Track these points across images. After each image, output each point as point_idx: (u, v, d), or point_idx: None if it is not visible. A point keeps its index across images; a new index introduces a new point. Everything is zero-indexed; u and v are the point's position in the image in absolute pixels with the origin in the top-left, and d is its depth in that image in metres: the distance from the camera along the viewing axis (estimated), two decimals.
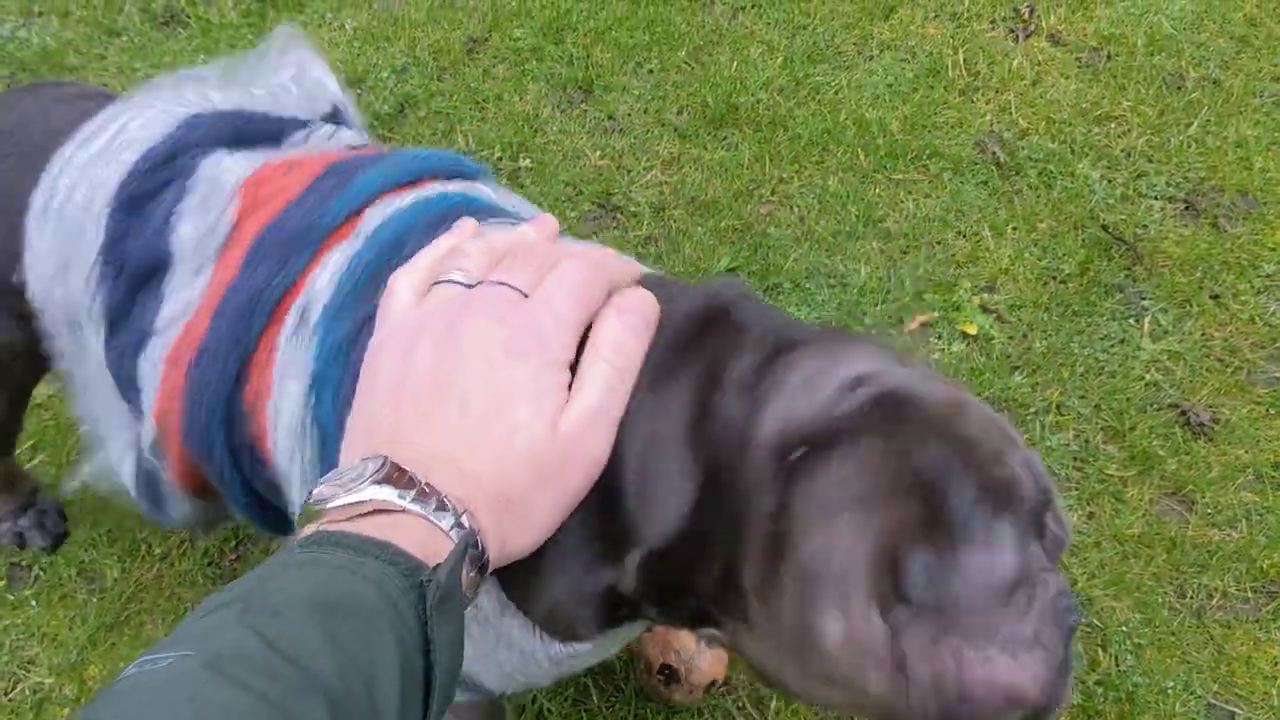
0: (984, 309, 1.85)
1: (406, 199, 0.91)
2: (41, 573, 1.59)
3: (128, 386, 0.97)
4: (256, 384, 0.88)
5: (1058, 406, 1.74)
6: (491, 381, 0.66)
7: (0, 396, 1.28)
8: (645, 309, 0.73)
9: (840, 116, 2.15)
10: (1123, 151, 2.10)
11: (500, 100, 2.17)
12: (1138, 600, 1.54)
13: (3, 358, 1.17)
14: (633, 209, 2.01)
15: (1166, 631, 1.51)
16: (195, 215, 0.94)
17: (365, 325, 0.82)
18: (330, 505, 0.61)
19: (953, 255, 1.93)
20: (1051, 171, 2.06)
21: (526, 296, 0.70)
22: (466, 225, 0.79)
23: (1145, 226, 1.97)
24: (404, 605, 0.56)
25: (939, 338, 1.82)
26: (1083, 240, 1.95)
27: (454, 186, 0.95)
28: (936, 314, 1.84)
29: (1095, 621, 1.52)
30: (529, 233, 0.77)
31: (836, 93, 2.21)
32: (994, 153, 2.08)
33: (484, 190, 0.96)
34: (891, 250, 1.94)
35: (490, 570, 0.65)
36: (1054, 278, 1.91)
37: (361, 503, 0.60)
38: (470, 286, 0.71)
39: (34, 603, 1.56)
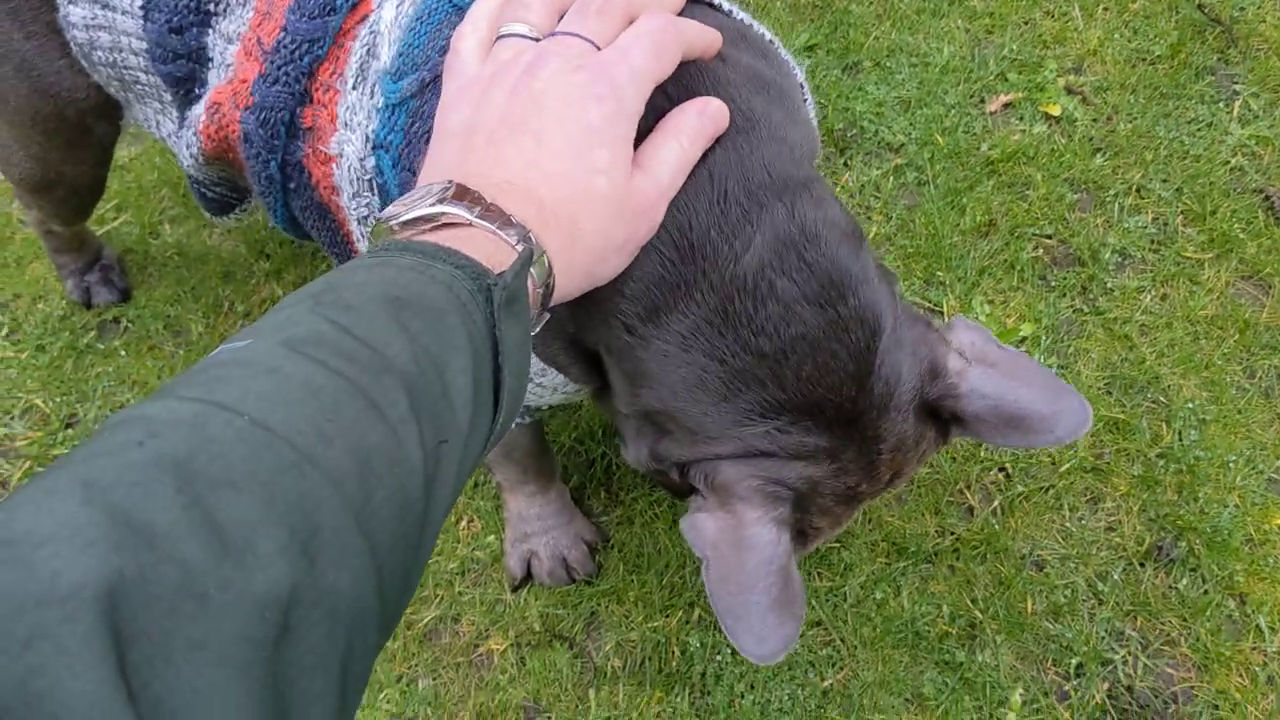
0: (1069, 90, 1.80)
1: None
2: (130, 325, 1.65)
3: (192, 56, 0.97)
4: (317, 113, 0.89)
5: (1138, 189, 1.71)
6: (568, 120, 0.66)
7: (83, 156, 1.29)
8: (720, 121, 0.74)
9: None
10: None
11: None
12: (1206, 379, 1.54)
13: (76, 111, 1.16)
14: None
15: (1233, 410, 1.51)
16: None
17: (428, 87, 0.82)
18: (398, 220, 0.62)
19: (1040, 35, 1.87)
20: None
21: (598, 49, 0.69)
22: None
23: (1242, 8, 1.89)
24: (472, 306, 0.56)
25: (1020, 119, 1.78)
26: (1176, 21, 1.88)
27: None
28: (1020, 94, 1.79)
29: (1161, 398, 1.53)
30: None
31: None
32: None
33: None
34: (976, 29, 1.88)
35: (558, 294, 0.66)
36: (1143, 59, 1.84)
37: (429, 217, 0.61)
38: (537, 40, 0.71)
39: (123, 353, 1.62)
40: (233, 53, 0.92)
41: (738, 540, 0.82)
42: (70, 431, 1.55)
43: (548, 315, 0.67)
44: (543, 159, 0.65)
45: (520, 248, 0.61)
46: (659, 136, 0.71)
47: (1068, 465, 1.47)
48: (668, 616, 1.39)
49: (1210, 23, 1.86)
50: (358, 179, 0.87)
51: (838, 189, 1.72)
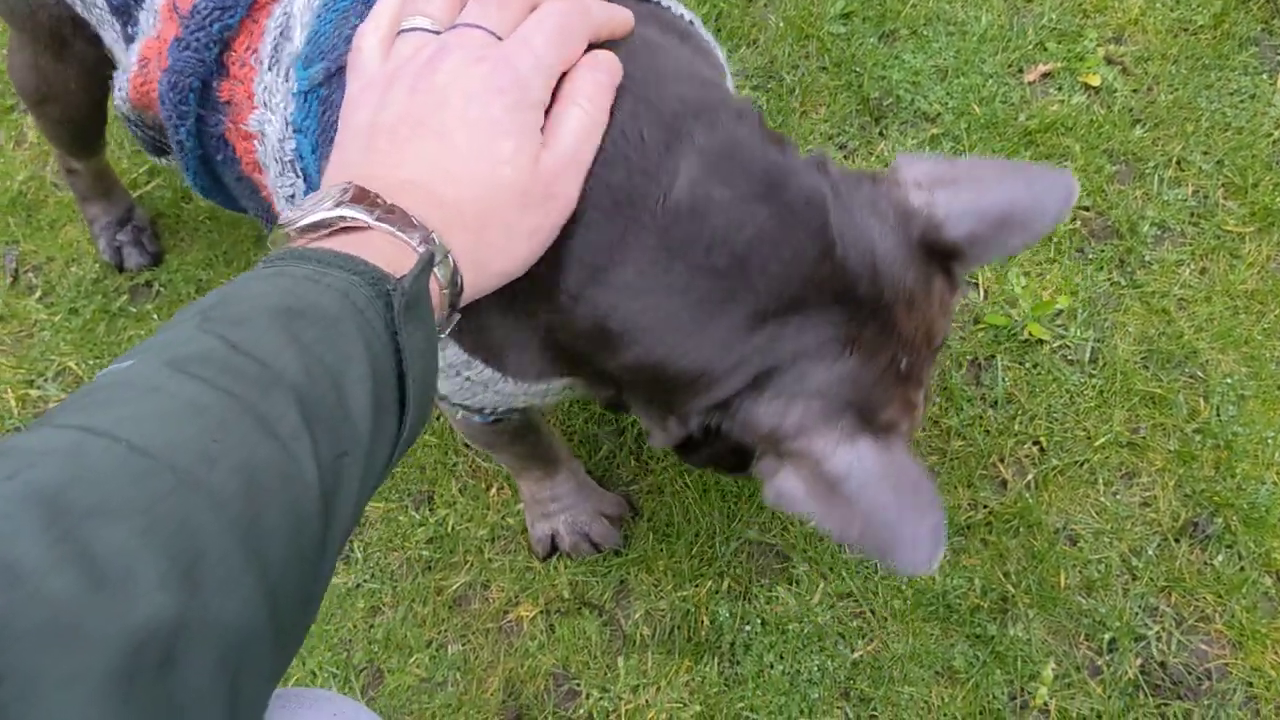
0: (1109, 60, 1.77)
1: None
2: (162, 289, 1.66)
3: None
4: (234, 87, 0.89)
5: (1178, 161, 1.68)
6: (470, 115, 0.65)
7: (68, 71, 1.29)
8: (613, 68, 0.72)
9: None
10: None
11: None
12: (1245, 355, 1.52)
13: (49, 16, 1.18)
14: None
15: (1272, 385, 1.49)
16: None
17: (334, 77, 0.82)
18: (296, 226, 0.60)
19: (1080, 4, 1.84)
20: None
21: (500, 39, 0.69)
22: None
23: None
24: (371, 313, 0.55)
25: (1059, 89, 1.75)
26: None
27: None
28: (1059, 64, 1.77)
29: (1198, 373, 1.51)
30: None
31: None
32: None
33: None
34: None
35: (467, 293, 0.66)
36: (1186, 29, 1.81)
37: (326, 221, 0.60)
38: (438, 34, 0.70)
39: (155, 316, 1.63)
40: (159, 2, 0.92)
41: (827, 480, 0.76)
42: None
43: (458, 316, 0.66)
44: (445, 157, 0.65)
45: (422, 249, 0.60)
46: (557, 106, 0.70)
47: (1103, 439, 1.46)
48: (697, 586, 1.39)
49: None
50: (280, 160, 0.87)
51: (873, 159, 1.70)
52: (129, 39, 1.00)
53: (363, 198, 0.60)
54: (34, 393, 1.56)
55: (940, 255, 0.82)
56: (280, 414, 0.49)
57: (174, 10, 0.90)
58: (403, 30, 0.71)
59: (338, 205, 0.60)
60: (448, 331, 0.66)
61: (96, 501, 0.41)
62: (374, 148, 0.66)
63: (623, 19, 0.76)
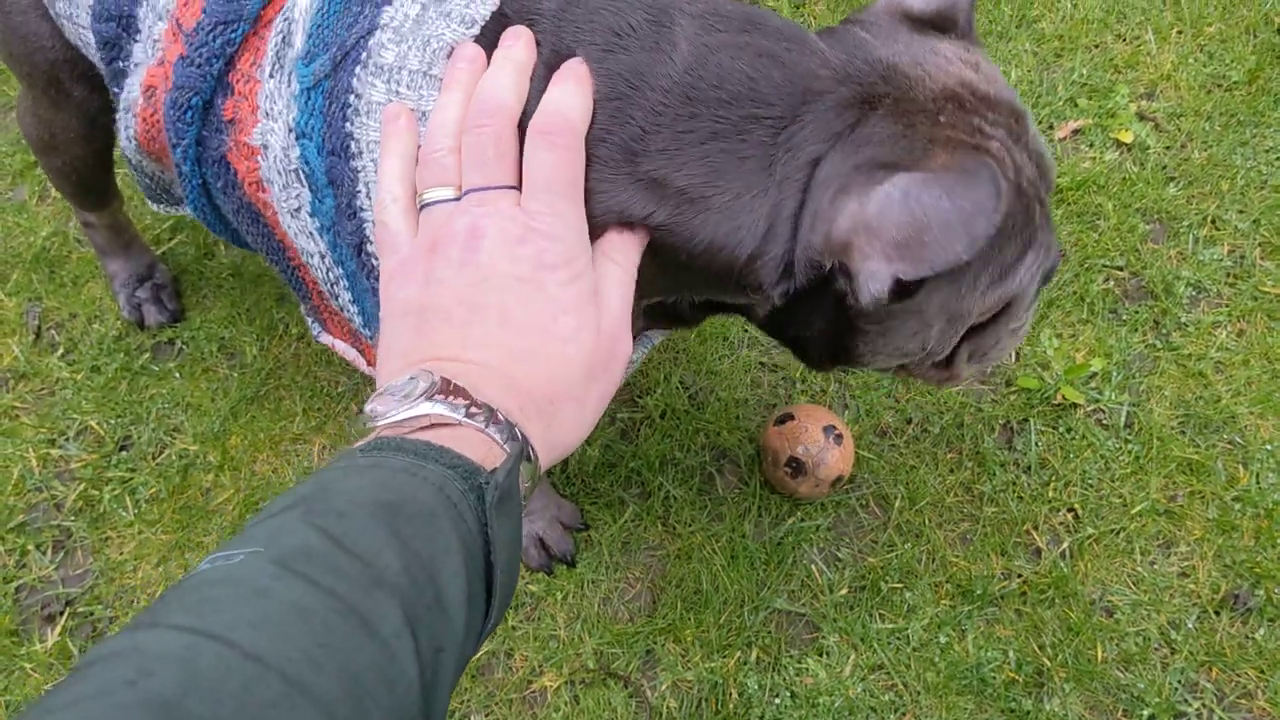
0: (1141, 116, 1.75)
1: None
2: (185, 347, 1.64)
3: (121, 21, 0.97)
4: (238, 104, 0.88)
5: (1213, 220, 1.65)
6: (526, 296, 0.67)
7: (69, 121, 1.30)
8: (640, 234, 0.75)
9: None
10: None
11: None
12: None
13: (46, 61, 1.18)
14: None
15: None
16: None
17: (341, 61, 0.81)
18: (384, 421, 0.61)
19: (1111, 59, 1.82)
20: None
21: (515, 189, 0.70)
22: (398, 115, 0.76)
23: None
24: (464, 507, 0.57)
25: (1091, 145, 1.73)
26: (1254, 46, 1.82)
27: None
28: (1090, 121, 1.75)
29: (1237, 439, 1.48)
30: (458, 77, 0.75)
31: None
32: None
33: None
34: (1045, 53, 1.84)
35: (540, 471, 0.67)
36: (1219, 85, 1.79)
37: (418, 417, 0.61)
38: (456, 199, 0.71)
39: (178, 375, 1.61)
40: (161, 30, 0.92)
41: (883, 229, 0.71)
42: (124, 454, 1.55)
43: (535, 489, 0.68)
44: (511, 339, 0.67)
45: (509, 446, 0.62)
46: (596, 265, 0.73)
47: (1139, 507, 1.42)
48: (725, 656, 1.36)
49: None
50: (284, 170, 0.86)
51: None
52: (118, 76, 0.99)
53: (449, 391, 0.62)
54: (55, 452, 1.55)
55: (929, 25, 0.84)
56: (383, 614, 0.50)
57: (178, 29, 0.90)
58: (425, 205, 0.72)
59: (428, 400, 0.61)
60: (527, 505, 0.69)
61: (211, 711, 0.42)
62: (432, 329, 0.68)
63: (586, 101, 0.74)
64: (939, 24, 0.83)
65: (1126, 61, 1.82)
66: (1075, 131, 1.74)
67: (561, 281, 0.68)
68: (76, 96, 1.23)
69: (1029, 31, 1.86)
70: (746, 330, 1.59)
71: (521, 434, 0.63)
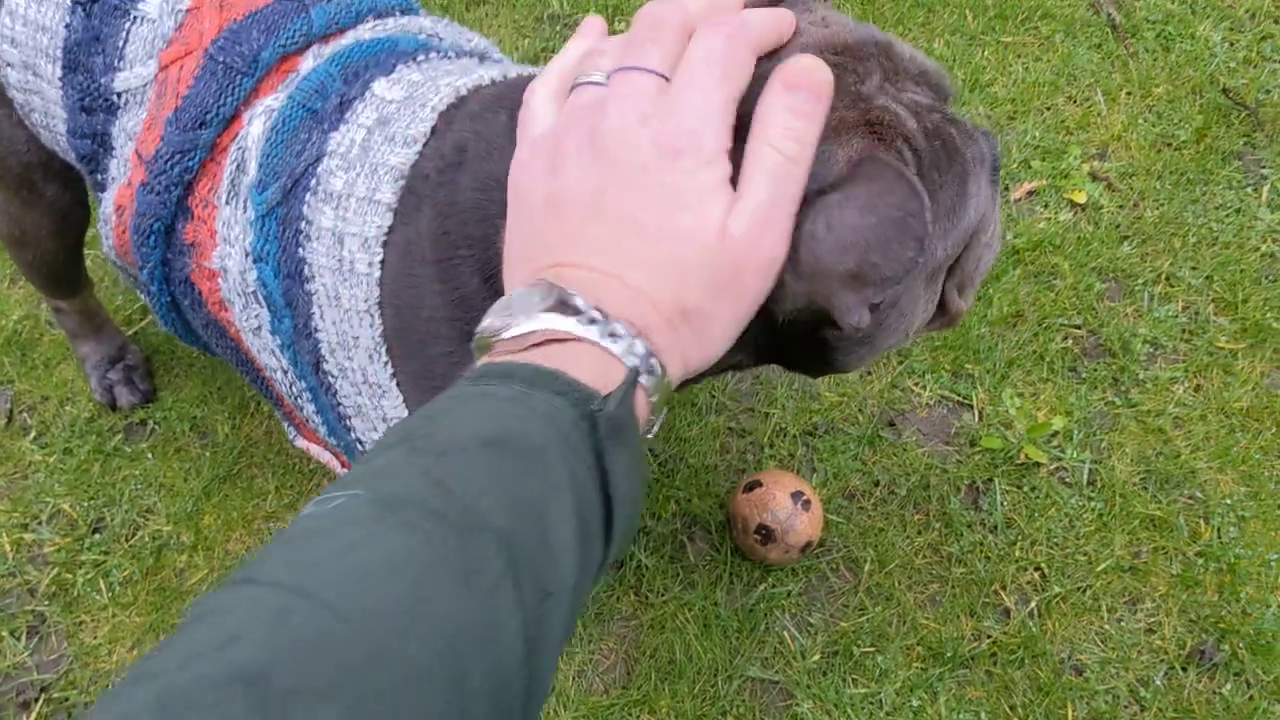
0: (1094, 177, 1.80)
1: (326, 50, 0.91)
2: (157, 427, 1.65)
3: (97, 139, 0.99)
4: (198, 228, 0.91)
5: (1167, 277, 1.69)
6: (646, 189, 0.60)
7: (40, 219, 1.30)
8: (814, 81, 0.63)
9: None
10: (1247, 12, 2.00)
11: None
12: (1243, 474, 1.52)
13: (19, 163, 1.19)
14: None
15: (1273, 505, 1.49)
16: None
17: (291, 189, 0.83)
18: (500, 337, 0.58)
19: (1063, 121, 1.87)
20: (1170, 33, 1.97)
21: (667, 79, 0.63)
22: (593, 24, 0.71)
23: (1268, 91, 1.89)
24: (575, 438, 0.53)
25: (1046, 206, 1.77)
26: (1201, 105, 1.87)
27: (387, 27, 0.95)
28: (1044, 182, 1.79)
29: (1198, 494, 1.50)
30: (662, 8, 0.67)
31: None
32: (1109, 14, 1.99)
33: (420, 25, 0.96)
34: (999, 116, 1.88)
35: (674, 385, 0.62)
36: (1169, 144, 1.84)
37: (532, 333, 0.57)
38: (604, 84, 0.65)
39: (150, 455, 1.62)
40: (129, 151, 0.95)
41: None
42: (97, 536, 1.55)
43: (667, 411, 0.63)
44: (630, 239, 0.61)
45: (629, 359, 0.57)
46: (749, 148, 0.62)
47: (1104, 564, 1.45)
48: None
49: (1235, 106, 1.85)
50: (243, 292, 0.88)
51: None
52: (99, 186, 1.02)
53: (563, 304, 0.58)
54: (29, 536, 1.55)
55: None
56: (484, 562, 0.47)
57: (139, 158, 0.92)
58: (576, 85, 0.66)
59: (543, 314, 0.57)
60: (656, 428, 0.62)
61: (301, 680, 0.40)
62: (556, 231, 0.63)
63: (784, 19, 0.70)
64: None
65: (1078, 123, 1.86)
66: (1030, 193, 1.78)
67: (687, 170, 0.60)
68: (49, 196, 1.25)
69: (982, 95, 1.91)
70: (714, 396, 1.62)
71: (646, 348, 0.58)
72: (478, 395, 0.54)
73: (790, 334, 0.74)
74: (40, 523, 1.56)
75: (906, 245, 0.62)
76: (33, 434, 1.65)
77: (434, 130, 0.80)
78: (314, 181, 0.82)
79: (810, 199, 0.63)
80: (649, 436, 0.62)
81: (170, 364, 1.72)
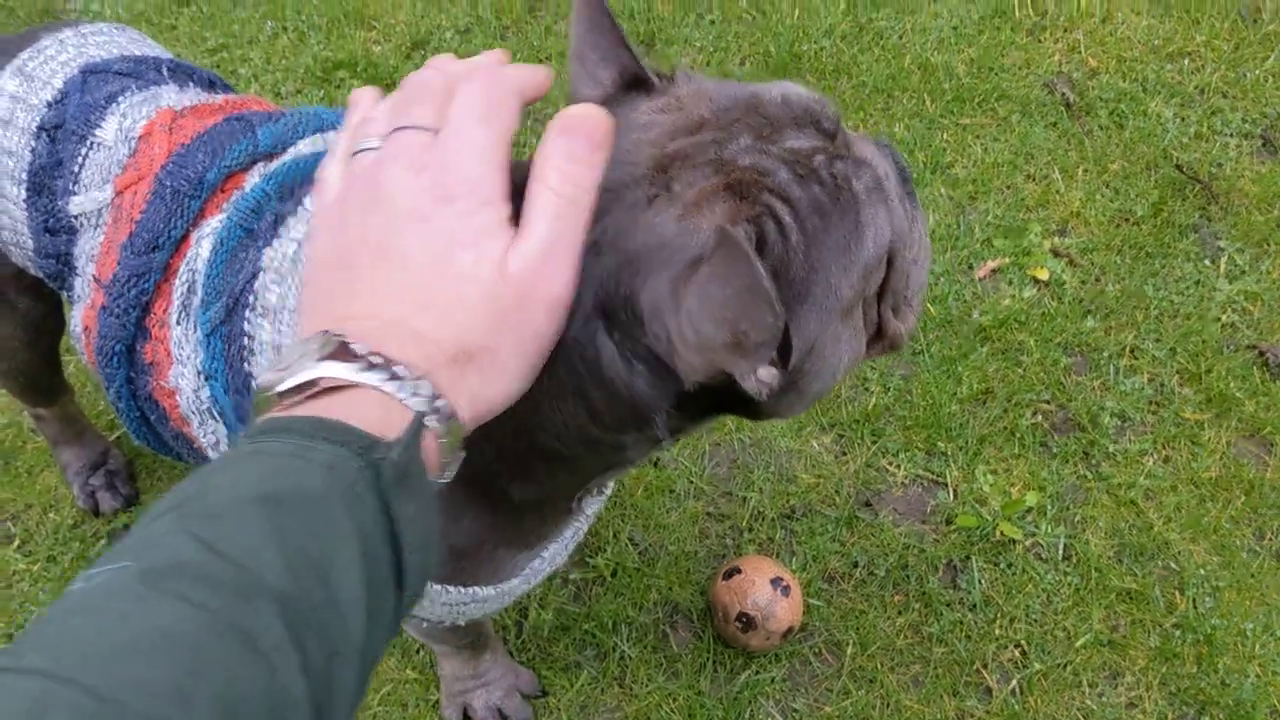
0: (1055, 253, 1.84)
1: (272, 166, 0.94)
2: None
3: (61, 259, 1.02)
4: (155, 348, 0.93)
5: (1132, 350, 1.73)
6: (425, 234, 0.60)
7: (13, 331, 1.32)
8: (589, 126, 0.64)
9: (905, 62, 2.13)
10: (1196, 88, 2.06)
11: (562, 57, 2.18)
12: (1215, 543, 1.54)
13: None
14: None
15: (1245, 574, 1.51)
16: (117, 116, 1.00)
17: (233, 307, 0.86)
18: (277, 390, 0.57)
19: (1022, 199, 1.92)
20: (1123, 111, 2.03)
21: (436, 133, 0.63)
22: (363, 94, 0.71)
23: (1220, 164, 1.94)
24: (361, 486, 0.51)
25: (1010, 283, 1.81)
26: (1156, 180, 1.92)
27: (327, 140, 0.97)
28: (1007, 259, 1.83)
29: (1172, 565, 1.52)
30: (424, 74, 0.68)
31: (901, 37, 2.18)
32: (1063, 94, 2.05)
33: None
34: (960, 196, 1.93)
35: (469, 427, 0.61)
36: (1127, 219, 1.88)
37: (309, 383, 0.56)
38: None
39: None
40: (90, 273, 0.97)
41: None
42: None
43: (463, 454, 0.62)
44: (412, 284, 0.60)
45: (414, 401, 0.56)
46: (529, 190, 0.63)
47: (1083, 639, 1.46)
48: None
49: (1189, 180, 1.91)
50: (198, 409, 0.90)
51: None
52: (68, 300, 1.05)
53: (343, 352, 0.56)
54: None
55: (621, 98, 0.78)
56: (263, 626, 0.45)
57: (98, 281, 0.95)
58: (354, 153, 0.66)
59: (319, 362, 0.56)
60: (452, 473, 0.61)
61: None
62: (340, 283, 0.62)
63: (543, 73, 0.70)
64: (633, 88, 0.76)
65: (1037, 200, 1.91)
66: (994, 270, 1.82)
67: (462, 212, 0.60)
68: (21, 308, 1.26)
69: (943, 177, 1.96)
70: (691, 481, 1.63)
71: (430, 390, 0.57)
72: (252, 453, 0.53)
73: (711, 396, 0.73)
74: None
75: (763, 311, 0.61)
76: (16, 542, 1.65)
77: None
78: (252, 298, 0.85)
79: (686, 275, 0.64)
80: (443, 480, 0.61)
81: (153, 466, 1.73)
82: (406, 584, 0.54)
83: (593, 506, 0.98)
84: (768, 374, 0.67)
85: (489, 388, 0.61)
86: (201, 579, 0.46)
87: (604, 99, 0.74)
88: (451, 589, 0.91)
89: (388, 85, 2.12)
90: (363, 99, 0.71)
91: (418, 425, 0.56)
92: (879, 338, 0.81)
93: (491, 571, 0.93)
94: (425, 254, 0.60)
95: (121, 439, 1.75)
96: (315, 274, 0.65)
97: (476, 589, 0.92)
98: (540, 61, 2.19)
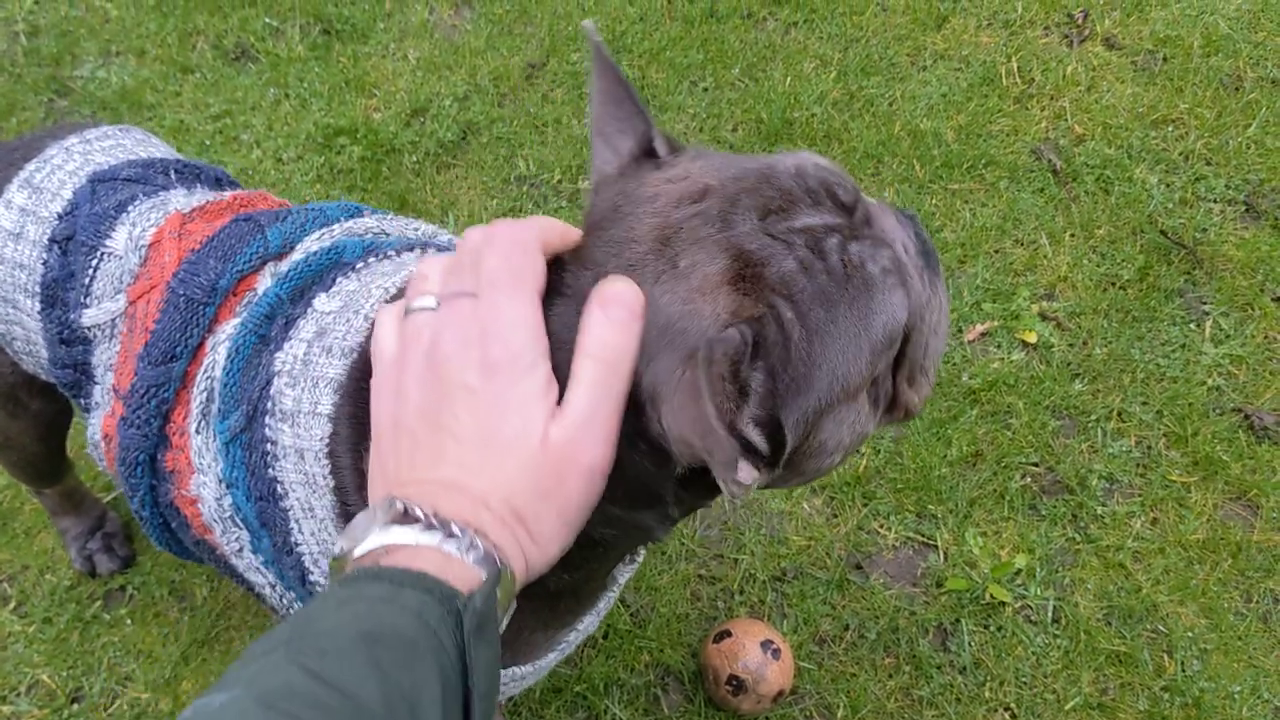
0: (1043, 317, 1.87)
1: (282, 267, 0.96)
2: (135, 592, 1.67)
3: (78, 369, 1.03)
4: (176, 456, 0.94)
5: (1119, 413, 1.75)
6: (474, 405, 0.65)
7: (24, 427, 1.33)
8: (625, 299, 0.67)
9: (895, 128, 2.17)
10: (1181, 155, 2.10)
11: (559, 124, 2.23)
12: (1203, 606, 1.55)
13: (3, 383, 1.22)
14: None
15: (1233, 636, 1.52)
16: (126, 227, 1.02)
17: (253, 414, 0.88)
18: (352, 556, 0.63)
19: (1010, 264, 1.95)
20: (1109, 177, 2.06)
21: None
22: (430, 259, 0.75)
23: (1205, 230, 1.97)
24: (443, 632, 0.57)
25: (999, 347, 1.84)
26: (1141, 245, 1.96)
27: (333, 234, 0.99)
28: (996, 323, 1.86)
29: (1160, 627, 1.53)
30: (471, 232, 0.72)
31: (890, 104, 2.23)
32: (1050, 160, 2.09)
33: (365, 226, 1.01)
34: (949, 260, 1.96)
35: (520, 582, 0.65)
36: (1113, 284, 1.91)
37: (379, 547, 0.62)
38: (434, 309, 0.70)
39: (129, 621, 1.63)
40: (110, 381, 0.98)
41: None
42: (76, 706, 1.55)
43: (514, 606, 0.66)
44: (466, 452, 0.65)
45: (470, 556, 0.61)
46: (574, 361, 0.66)
47: (1073, 702, 1.47)
48: None
49: (1174, 245, 1.94)
50: (220, 517, 0.91)
51: None
52: (86, 410, 1.06)
53: (404, 516, 0.62)
54: (6, 709, 1.56)
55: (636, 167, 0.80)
56: None
57: (116, 391, 0.96)
58: (409, 311, 0.71)
59: (381, 527, 0.62)
60: (505, 622, 0.65)
61: None
62: (402, 449, 0.67)
63: (562, 225, 0.73)
64: (646, 156, 0.78)
65: (1025, 265, 1.94)
66: (983, 334, 1.85)
67: (507, 381, 0.64)
68: (34, 409, 1.28)
69: (933, 241, 1.98)
70: (683, 543, 1.65)
71: (491, 548, 0.62)
72: (350, 597, 0.58)
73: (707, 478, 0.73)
74: (19, 694, 1.57)
75: (719, 442, 0.63)
76: (12, 604, 1.66)
77: (369, 337, 0.83)
78: (269, 404, 0.86)
79: (680, 370, 0.66)
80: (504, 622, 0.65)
81: None
82: None
83: (625, 575, 0.99)
84: (748, 474, 0.68)
85: (535, 549, 0.66)
86: (313, 703, 0.51)
87: (621, 168, 0.77)
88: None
89: (387, 151, 2.17)
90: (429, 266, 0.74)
91: (496, 574, 0.61)
92: (893, 409, 0.80)
93: (528, 653, 0.94)
94: (474, 423, 0.65)
95: (117, 501, 1.77)
96: (379, 440, 0.70)
97: (515, 669, 0.94)
98: (537, 128, 2.23)
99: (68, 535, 1.67)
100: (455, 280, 0.69)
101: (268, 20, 2.44)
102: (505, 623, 0.66)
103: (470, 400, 0.65)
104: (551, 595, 0.87)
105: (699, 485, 0.73)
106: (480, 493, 0.64)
